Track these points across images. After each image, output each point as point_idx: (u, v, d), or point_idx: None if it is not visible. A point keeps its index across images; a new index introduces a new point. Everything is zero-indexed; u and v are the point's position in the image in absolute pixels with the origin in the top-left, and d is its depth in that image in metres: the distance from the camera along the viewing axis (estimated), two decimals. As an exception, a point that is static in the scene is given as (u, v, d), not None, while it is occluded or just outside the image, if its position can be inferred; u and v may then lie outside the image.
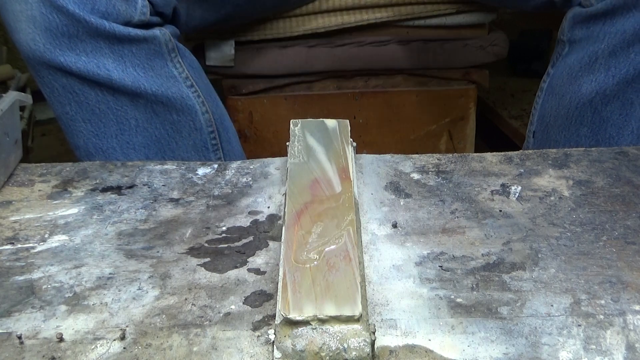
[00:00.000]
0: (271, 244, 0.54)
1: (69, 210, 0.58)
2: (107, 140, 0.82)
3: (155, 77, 0.80)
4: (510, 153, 0.67)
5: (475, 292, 0.47)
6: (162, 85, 0.80)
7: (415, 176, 0.63)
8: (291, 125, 0.64)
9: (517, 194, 0.60)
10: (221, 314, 0.45)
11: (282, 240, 0.48)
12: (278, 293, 0.42)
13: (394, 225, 0.55)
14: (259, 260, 0.51)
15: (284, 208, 0.52)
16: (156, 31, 0.79)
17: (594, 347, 0.42)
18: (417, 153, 0.67)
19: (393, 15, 1.07)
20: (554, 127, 0.88)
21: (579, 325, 0.44)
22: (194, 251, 0.53)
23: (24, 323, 0.45)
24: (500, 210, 0.57)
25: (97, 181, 0.63)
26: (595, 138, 0.83)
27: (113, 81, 0.77)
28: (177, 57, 0.82)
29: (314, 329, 0.40)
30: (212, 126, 0.87)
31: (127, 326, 0.44)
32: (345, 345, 0.39)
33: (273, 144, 1.17)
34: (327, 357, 0.39)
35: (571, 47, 0.84)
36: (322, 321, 0.40)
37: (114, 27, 0.75)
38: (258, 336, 0.43)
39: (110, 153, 0.82)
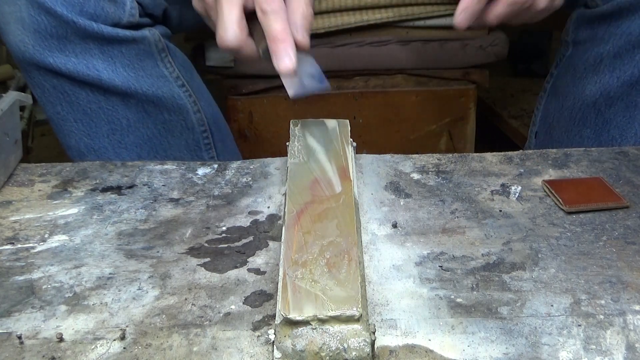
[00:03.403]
0: (271, 244, 0.54)
1: (69, 210, 0.58)
2: (99, 140, 0.82)
3: (145, 77, 0.80)
4: (510, 153, 0.67)
5: (475, 292, 0.47)
6: (153, 85, 0.80)
7: (415, 176, 0.63)
8: (291, 125, 0.64)
9: (517, 194, 0.60)
10: (221, 314, 0.45)
11: (282, 240, 0.48)
12: (278, 293, 0.42)
13: (394, 225, 0.55)
14: (259, 260, 0.51)
15: (284, 208, 0.52)
16: (145, 32, 0.79)
17: (594, 347, 0.42)
18: (417, 153, 0.67)
19: (393, 16, 1.07)
20: (556, 128, 0.88)
21: (579, 325, 0.44)
22: (194, 251, 0.53)
23: (24, 323, 0.45)
24: (500, 210, 0.57)
25: (97, 181, 0.63)
26: (598, 140, 0.82)
27: (103, 81, 0.77)
28: (167, 57, 0.82)
29: (314, 329, 0.40)
30: (205, 125, 0.86)
31: (127, 326, 0.44)
32: (345, 345, 0.39)
33: (273, 144, 1.17)
34: (327, 357, 0.39)
35: (575, 48, 0.84)
36: (322, 321, 0.40)
37: (102, 28, 0.75)
38: (258, 336, 0.43)
39: (102, 152, 0.82)
